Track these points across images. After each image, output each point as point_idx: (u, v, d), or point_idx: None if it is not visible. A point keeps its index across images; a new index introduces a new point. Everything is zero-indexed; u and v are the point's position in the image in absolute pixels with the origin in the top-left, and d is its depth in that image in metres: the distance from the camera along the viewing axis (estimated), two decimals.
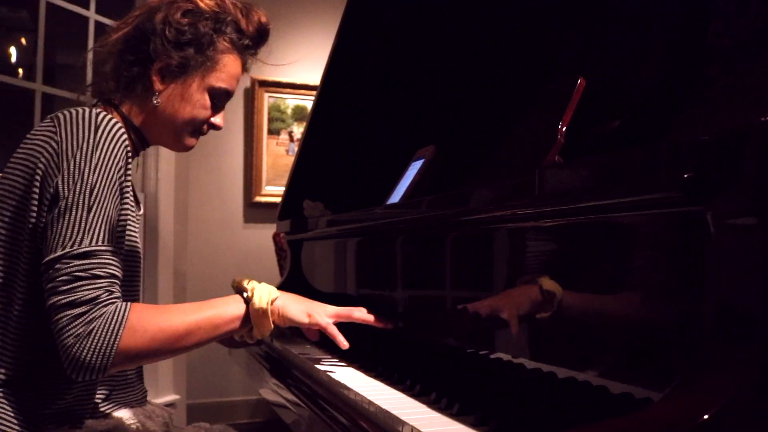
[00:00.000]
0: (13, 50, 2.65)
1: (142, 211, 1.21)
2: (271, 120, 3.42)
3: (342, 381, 1.11)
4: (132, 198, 1.10)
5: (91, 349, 0.89)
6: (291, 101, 3.45)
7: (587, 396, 0.77)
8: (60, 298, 0.90)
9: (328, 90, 2.02)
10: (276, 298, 1.12)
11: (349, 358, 1.30)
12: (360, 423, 0.94)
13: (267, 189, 3.38)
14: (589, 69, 1.22)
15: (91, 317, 0.90)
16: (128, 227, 1.09)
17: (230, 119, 3.39)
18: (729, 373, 0.56)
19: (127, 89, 1.14)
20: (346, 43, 1.95)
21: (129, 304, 0.95)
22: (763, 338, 0.56)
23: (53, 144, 0.98)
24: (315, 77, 2.76)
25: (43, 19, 2.48)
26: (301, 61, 3.46)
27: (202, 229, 3.29)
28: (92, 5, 2.70)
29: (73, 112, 1.01)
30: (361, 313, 1.23)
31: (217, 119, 1.20)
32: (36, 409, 0.99)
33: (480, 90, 1.73)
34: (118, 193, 0.99)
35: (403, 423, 0.84)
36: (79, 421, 1.07)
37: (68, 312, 0.89)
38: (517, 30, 1.65)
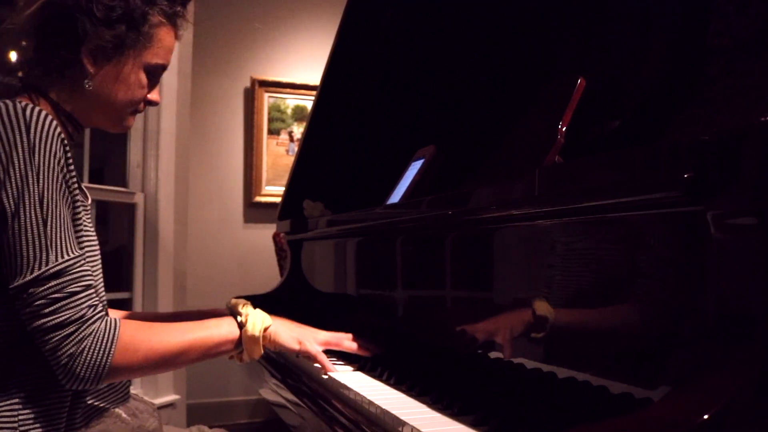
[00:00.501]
0: (12, 50, 2.63)
1: (90, 200, 1.13)
2: (271, 120, 3.42)
3: (342, 381, 1.11)
4: (78, 189, 1.02)
5: (85, 366, 0.90)
6: (291, 101, 3.45)
7: (587, 396, 0.77)
8: (45, 321, 0.89)
9: (328, 90, 2.02)
10: (268, 326, 1.13)
11: (349, 358, 1.30)
12: (360, 423, 0.94)
13: (267, 189, 3.38)
14: (589, 69, 1.22)
15: (81, 336, 0.89)
16: (83, 220, 1.03)
17: (230, 119, 3.39)
18: (729, 373, 0.56)
19: (56, 75, 1.04)
20: (346, 43, 1.95)
21: (118, 320, 0.94)
22: (763, 338, 0.56)
23: None
24: (315, 77, 2.76)
25: None
26: (301, 61, 3.47)
27: (202, 229, 3.28)
28: None
29: None
30: (350, 343, 1.25)
31: (154, 95, 1.12)
32: (15, 414, 0.94)
33: (480, 90, 1.73)
34: (66, 192, 0.95)
35: (403, 423, 0.84)
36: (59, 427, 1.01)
37: (57, 333, 0.89)
38: (517, 30, 1.65)
